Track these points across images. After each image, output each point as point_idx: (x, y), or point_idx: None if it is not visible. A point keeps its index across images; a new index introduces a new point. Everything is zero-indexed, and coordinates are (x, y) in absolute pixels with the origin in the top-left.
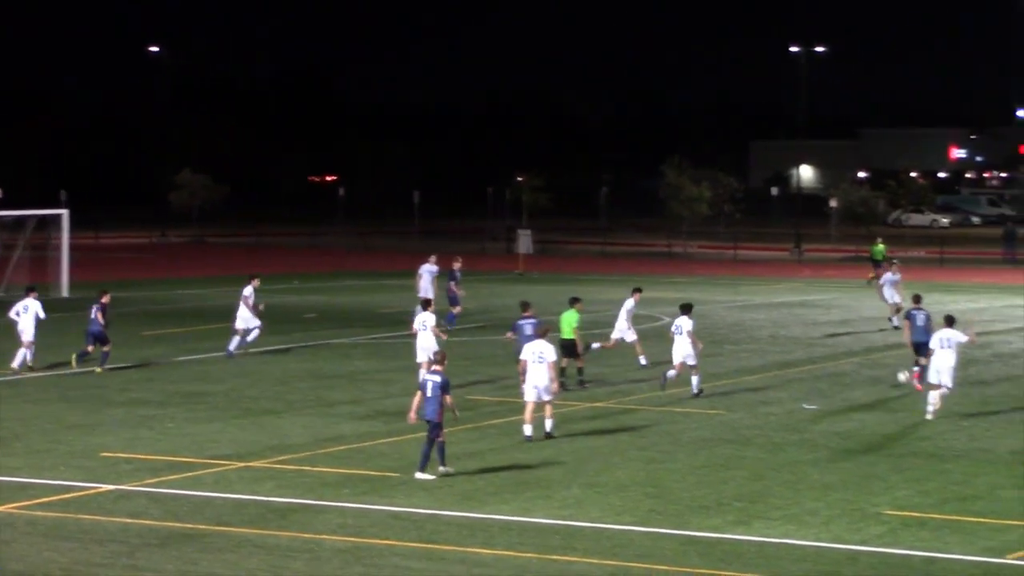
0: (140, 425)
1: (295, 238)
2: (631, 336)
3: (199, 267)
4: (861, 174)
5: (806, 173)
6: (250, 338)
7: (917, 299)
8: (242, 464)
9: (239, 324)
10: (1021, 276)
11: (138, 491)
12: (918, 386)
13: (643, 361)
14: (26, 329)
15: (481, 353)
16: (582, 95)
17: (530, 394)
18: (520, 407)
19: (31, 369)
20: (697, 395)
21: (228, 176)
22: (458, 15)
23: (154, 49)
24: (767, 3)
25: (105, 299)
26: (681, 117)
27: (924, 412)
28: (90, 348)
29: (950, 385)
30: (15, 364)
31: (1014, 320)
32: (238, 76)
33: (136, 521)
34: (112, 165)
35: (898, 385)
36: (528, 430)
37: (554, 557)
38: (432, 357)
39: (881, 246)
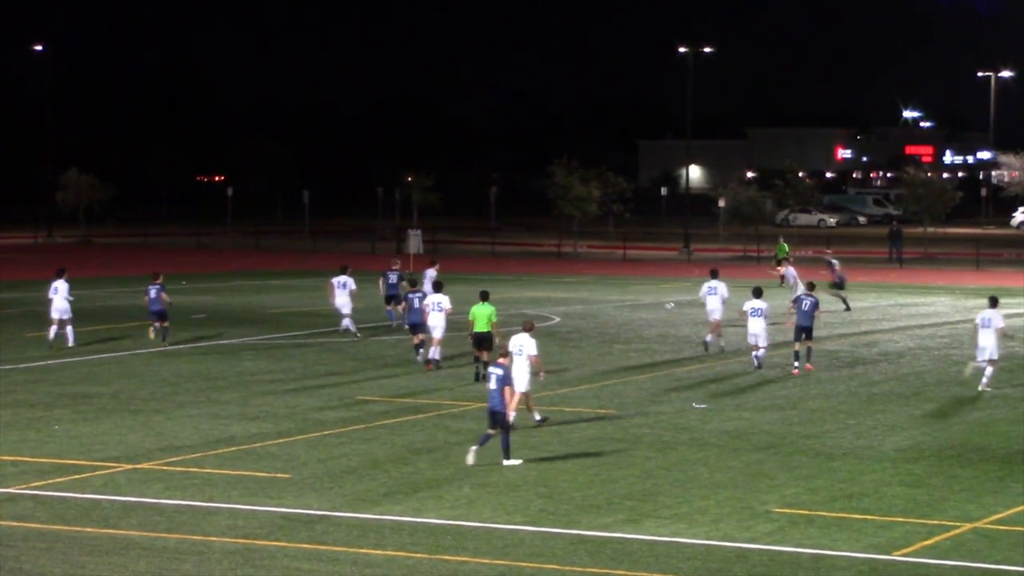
0: (27, 427)
1: (183, 238)
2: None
3: (86, 268)
4: (749, 174)
5: (694, 173)
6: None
7: (811, 287)
8: (130, 466)
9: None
10: (905, 275)
11: (24, 494)
12: (795, 371)
13: None
14: (59, 307)
15: (370, 353)
16: (466, 95)
17: (516, 383)
18: (408, 407)
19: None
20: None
21: (114, 176)
22: (337, 12)
23: (38, 48)
24: (651, 3)
25: (160, 279)
26: (568, 117)
27: (977, 386)
28: (157, 325)
29: (995, 358)
30: (50, 338)
31: (899, 319)
32: (114, 74)
33: (22, 524)
34: None
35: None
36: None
37: (445, 557)
38: (498, 351)
39: (785, 244)
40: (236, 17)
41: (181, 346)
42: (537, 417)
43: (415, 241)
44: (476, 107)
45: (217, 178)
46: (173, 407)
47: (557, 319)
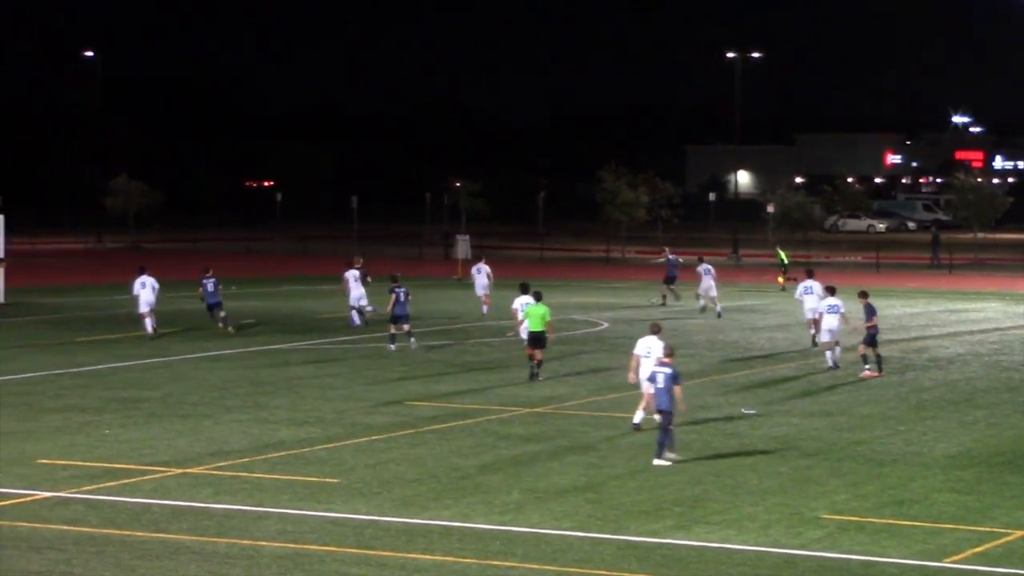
0: (77, 432)
1: (232, 243)
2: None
3: (134, 273)
4: (797, 179)
5: (743, 178)
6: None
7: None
8: (180, 471)
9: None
10: (955, 281)
11: (76, 498)
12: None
13: None
14: (146, 300)
15: (419, 359)
16: (513, 100)
17: (645, 385)
18: (457, 412)
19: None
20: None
21: (164, 182)
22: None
23: (89, 54)
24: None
25: (211, 272)
26: (616, 122)
27: None
28: (223, 315)
29: None
30: (149, 331)
31: (949, 325)
32: (164, 80)
33: (74, 528)
34: (45, 170)
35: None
36: (638, 417)
37: (494, 562)
38: (664, 351)
39: (782, 252)
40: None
41: (230, 351)
42: (636, 420)
43: (463, 247)
44: (523, 112)
45: (266, 183)
46: (222, 412)
47: (605, 324)
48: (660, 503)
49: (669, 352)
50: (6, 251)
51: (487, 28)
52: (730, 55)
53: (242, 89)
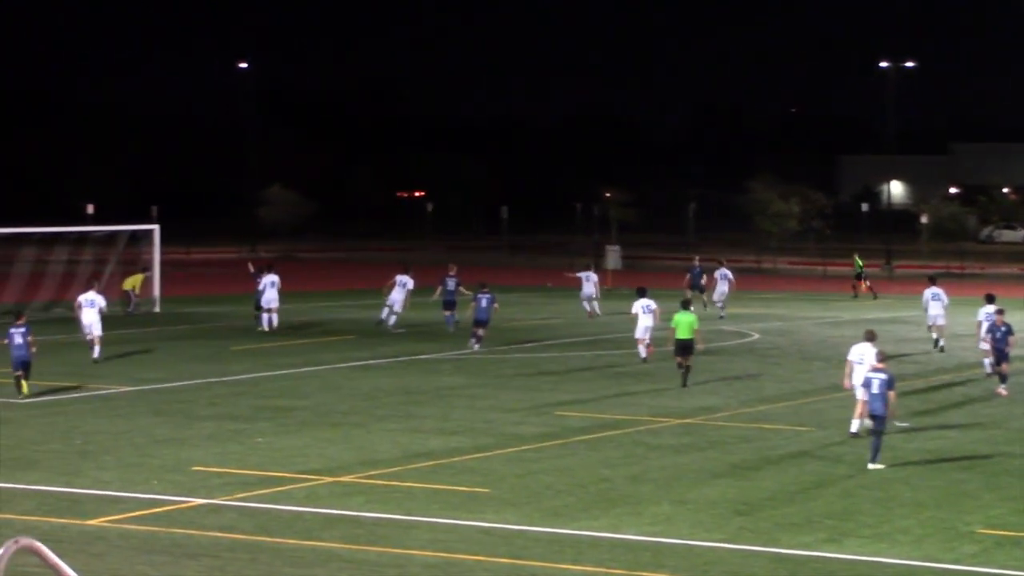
0: (230, 440)
1: (383, 253)
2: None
3: (288, 282)
4: (952, 190)
5: (896, 189)
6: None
7: (1000, 312)
8: (332, 479)
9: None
10: None
11: (229, 505)
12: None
13: None
14: (272, 298)
15: (568, 369)
16: (664, 110)
17: (860, 392)
18: (606, 423)
19: (273, 331)
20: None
21: (316, 192)
22: (531, 30)
23: (242, 65)
24: (850, 16)
25: (455, 270)
26: (767, 132)
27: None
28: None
29: None
30: (265, 328)
31: None
32: (316, 90)
33: (227, 535)
34: (200, 180)
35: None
36: (855, 426)
37: (643, 574)
38: (877, 356)
39: (859, 259)
40: (434, 32)
41: (381, 360)
42: (853, 429)
43: (614, 257)
44: (674, 122)
45: (417, 194)
46: (373, 420)
47: (756, 335)
48: (811, 516)
49: (882, 357)
50: (160, 261)
51: (639, 37)
52: (883, 64)
53: (395, 100)
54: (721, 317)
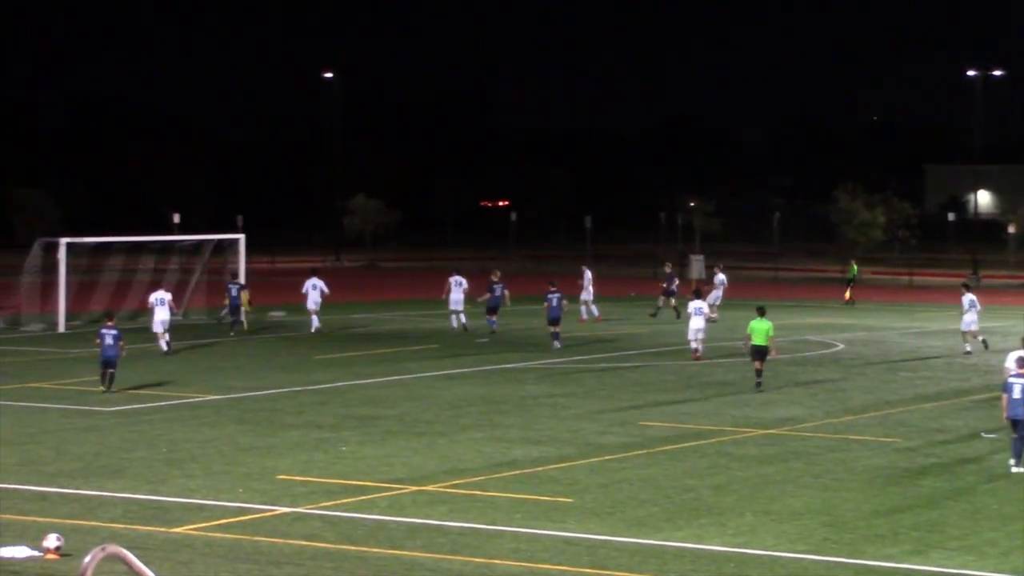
0: (315, 448)
1: (467, 263)
2: None
3: (372, 291)
4: None
5: (983, 198)
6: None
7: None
8: (415, 488)
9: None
10: None
11: (313, 513)
12: None
13: None
14: (315, 299)
15: (651, 378)
16: (748, 119)
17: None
18: (690, 433)
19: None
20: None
21: (400, 201)
22: (615, 42)
23: (327, 75)
24: (939, 25)
25: (557, 287)
26: (851, 141)
27: None
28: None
29: None
30: (312, 329)
31: None
32: (400, 100)
33: (311, 544)
34: (285, 190)
35: None
36: None
37: None
38: (1017, 362)
39: (855, 266)
40: (518, 42)
41: (465, 370)
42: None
43: (697, 266)
44: (758, 131)
45: (501, 203)
46: (457, 430)
47: (841, 346)
48: (897, 527)
49: (1022, 363)
50: (246, 269)
51: (726, 47)
52: (971, 73)
53: (480, 109)
54: (713, 321)
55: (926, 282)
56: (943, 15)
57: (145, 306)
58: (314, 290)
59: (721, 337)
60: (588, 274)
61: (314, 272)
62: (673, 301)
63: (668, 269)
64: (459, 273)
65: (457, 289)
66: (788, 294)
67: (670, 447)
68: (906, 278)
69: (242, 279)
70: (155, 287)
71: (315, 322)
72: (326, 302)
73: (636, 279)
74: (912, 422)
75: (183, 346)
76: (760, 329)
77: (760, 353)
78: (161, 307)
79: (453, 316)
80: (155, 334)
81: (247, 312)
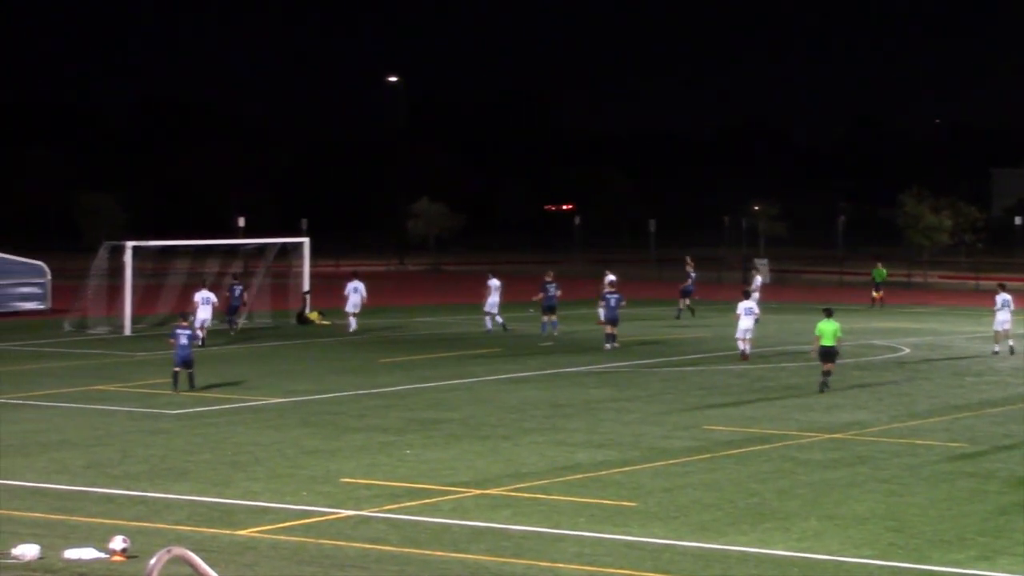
0: (379, 451)
1: (530, 266)
2: None
3: (436, 295)
4: None
5: None
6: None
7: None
8: (479, 491)
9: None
10: None
11: (377, 517)
12: None
13: None
14: (355, 303)
15: (716, 382)
16: (813, 122)
17: None
18: (755, 437)
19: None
20: None
21: (464, 205)
22: (679, 46)
23: (392, 79)
24: (1007, 28)
25: (550, 277)
26: (918, 144)
27: None
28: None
29: None
30: (350, 329)
31: None
32: (465, 103)
33: (375, 547)
34: (350, 194)
35: None
36: None
37: None
38: None
39: (883, 269)
40: (582, 47)
41: (529, 373)
42: None
43: (763, 270)
44: (824, 135)
45: (565, 207)
46: (520, 433)
47: (906, 350)
48: (963, 532)
49: None
50: (311, 273)
51: (791, 51)
52: None
53: (544, 113)
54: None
55: (992, 287)
56: (1013, 16)
57: (217, 308)
58: (355, 293)
59: (785, 340)
60: (611, 278)
61: (355, 275)
62: (687, 301)
63: (689, 268)
64: (495, 276)
65: (495, 292)
66: (853, 298)
67: (734, 451)
68: (972, 282)
69: (306, 284)
70: (216, 289)
71: (353, 324)
72: (372, 306)
73: (699, 283)
74: (978, 427)
75: (245, 349)
76: (828, 330)
77: (829, 355)
78: (205, 306)
79: (487, 318)
80: (200, 330)
81: (318, 318)
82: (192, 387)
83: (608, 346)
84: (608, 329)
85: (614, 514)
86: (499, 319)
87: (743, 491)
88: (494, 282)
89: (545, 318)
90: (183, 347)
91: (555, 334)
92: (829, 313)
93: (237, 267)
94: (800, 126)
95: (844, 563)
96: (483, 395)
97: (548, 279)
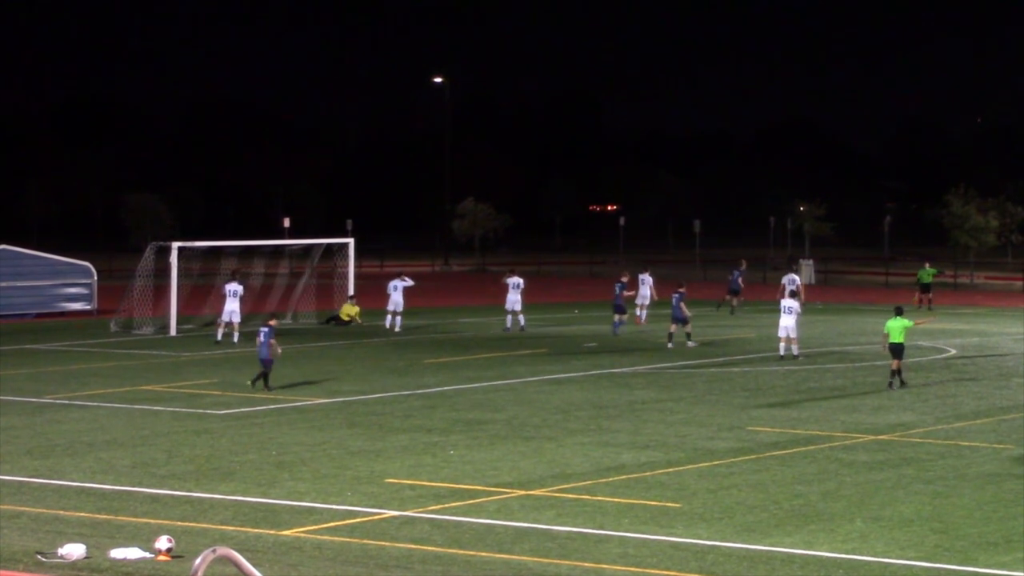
0: (423, 452)
1: (575, 267)
2: None
3: (481, 296)
4: None
5: None
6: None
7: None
8: (523, 492)
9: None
10: None
11: (421, 517)
12: None
13: None
14: (396, 301)
15: (761, 384)
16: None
17: None
18: (800, 438)
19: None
20: None
21: (509, 205)
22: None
23: (437, 80)
24: None
25: (626, 277)
26: (965, 145)
27: None
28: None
29: None
30: (397, 328)
31: None
32: (510, 104)
33: (420, 547)
34: (395, 194)
35: None
36: None
37: None
38: None
39: (930, 268)
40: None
41: (573, 374)
42: None
43: (807, 271)
44: (870, 135)
45: (610, 207)
46: (564, 434)
47: (953, 351)
48: (1010, 535)
49: None
50: (355, 273)
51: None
52: None
53: (590, 113)
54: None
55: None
56: None
57: (260, 310)
58: (395, 291)
59: (830, 341)
60: (649, 279)
61: (398, 274)
62: (735, 300)
63: (741, 267)
64: (515, 274)
65: (515, 291)
66: (899, 299)
67: (779, 452)
68: (1019, 283)
69: (351, 289)
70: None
71: (397, 322)
72: (416, 306)
73: (745, 283)
74: None
75: (292, 350)
76: (896, 327)
77: (897, 352)
78: (233, 298)
79: (508, 316)
80: (218, 322)
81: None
82: (267, 387)
83: (690, 344)
84: (672, 328)
85: (658, 515)
86: (521, 320)
87: (788, 492)
88: (513, 280)
89: (616, 317)
90: (260, 345)
91: (617, 334)
92: (899, 311)
93: (283, 268)
94: (846, 127)
95: (889, 565)
96: (527, 396)
97: (622, 279)
